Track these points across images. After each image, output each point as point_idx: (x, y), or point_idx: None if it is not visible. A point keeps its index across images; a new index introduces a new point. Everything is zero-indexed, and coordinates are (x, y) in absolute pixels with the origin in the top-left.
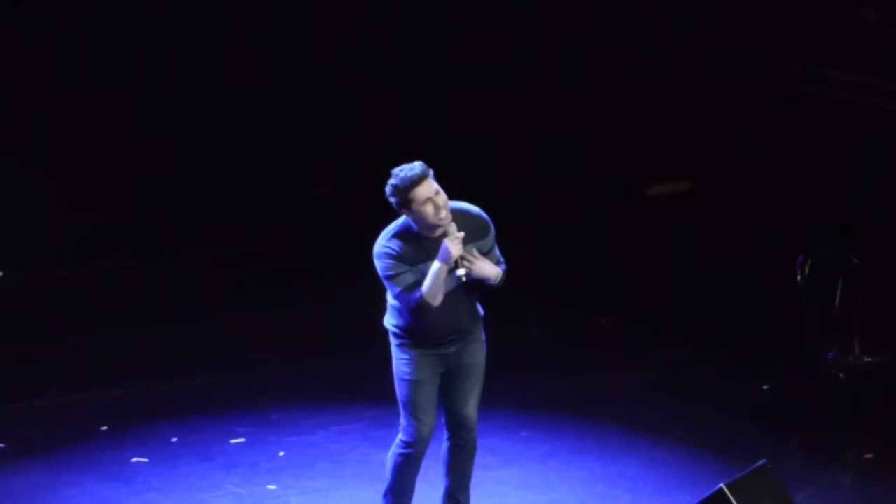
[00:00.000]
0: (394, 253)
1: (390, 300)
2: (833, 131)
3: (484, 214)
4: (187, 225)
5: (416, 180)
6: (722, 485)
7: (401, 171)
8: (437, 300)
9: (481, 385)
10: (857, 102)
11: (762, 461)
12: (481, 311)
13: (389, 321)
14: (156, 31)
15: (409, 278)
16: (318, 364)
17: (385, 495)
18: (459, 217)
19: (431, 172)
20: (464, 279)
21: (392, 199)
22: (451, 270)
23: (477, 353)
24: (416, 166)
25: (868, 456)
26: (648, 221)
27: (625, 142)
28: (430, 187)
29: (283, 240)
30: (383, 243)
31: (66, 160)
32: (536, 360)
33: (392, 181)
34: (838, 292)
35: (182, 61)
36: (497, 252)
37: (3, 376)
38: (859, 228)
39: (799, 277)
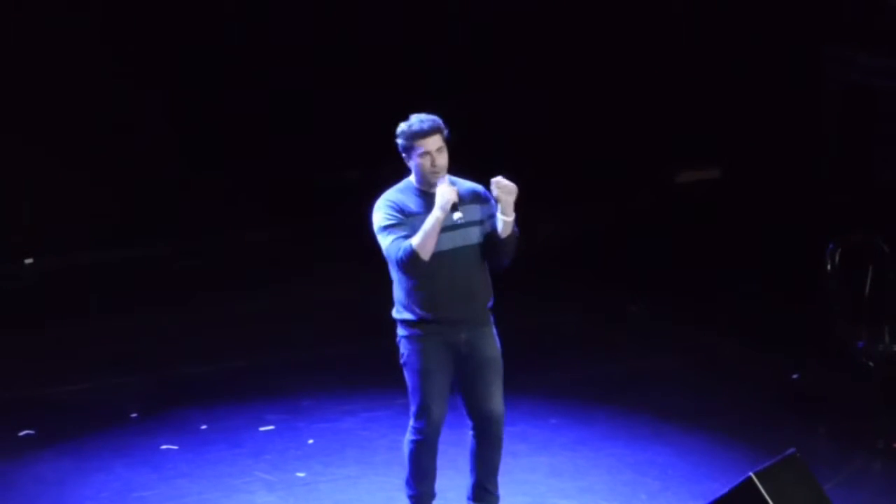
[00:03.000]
0: (393, 204)
1: (395, 285)
2: (863, 116)
3: (486, 190)
4: (216, 209)
5: (426, 131)
6: (751, 473)
7: (417, 117)
8: (426, 250)
9: (502, 378)
10: (888, 87)
11: (791, 450)
12: (490, 304)
13: (397, 309)
14: (179, 13)
15: (404, 229)
16: (347, 350)
17: (407, 483)
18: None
19: (446, 132)
20: (459, 221)
21: (398, 141)
22: (447, 224)
23: (491, 347)
24: (431, 119)
25: None
26: (678, 208)
27: (655, 129)
28: (435, 142)
29: (313, 223)
30: (385, 196)
31: (96, 149)
32: (566, 346)
33: (403, 123)
34: (868, 280)
35: (211, 44)
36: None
37: (32, 362)
38: (890, 215)
39: (829, 265)
